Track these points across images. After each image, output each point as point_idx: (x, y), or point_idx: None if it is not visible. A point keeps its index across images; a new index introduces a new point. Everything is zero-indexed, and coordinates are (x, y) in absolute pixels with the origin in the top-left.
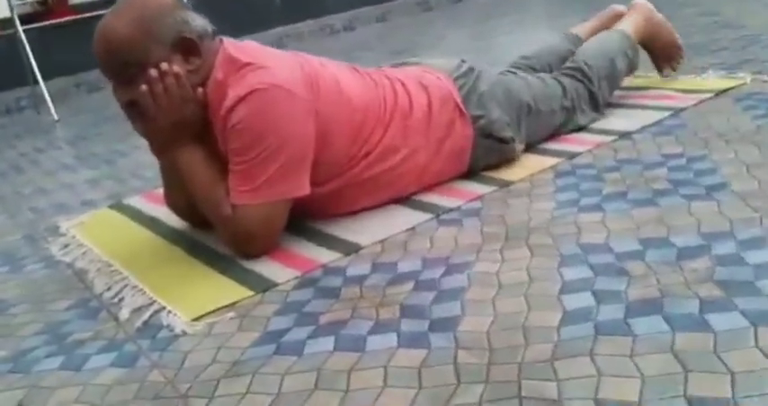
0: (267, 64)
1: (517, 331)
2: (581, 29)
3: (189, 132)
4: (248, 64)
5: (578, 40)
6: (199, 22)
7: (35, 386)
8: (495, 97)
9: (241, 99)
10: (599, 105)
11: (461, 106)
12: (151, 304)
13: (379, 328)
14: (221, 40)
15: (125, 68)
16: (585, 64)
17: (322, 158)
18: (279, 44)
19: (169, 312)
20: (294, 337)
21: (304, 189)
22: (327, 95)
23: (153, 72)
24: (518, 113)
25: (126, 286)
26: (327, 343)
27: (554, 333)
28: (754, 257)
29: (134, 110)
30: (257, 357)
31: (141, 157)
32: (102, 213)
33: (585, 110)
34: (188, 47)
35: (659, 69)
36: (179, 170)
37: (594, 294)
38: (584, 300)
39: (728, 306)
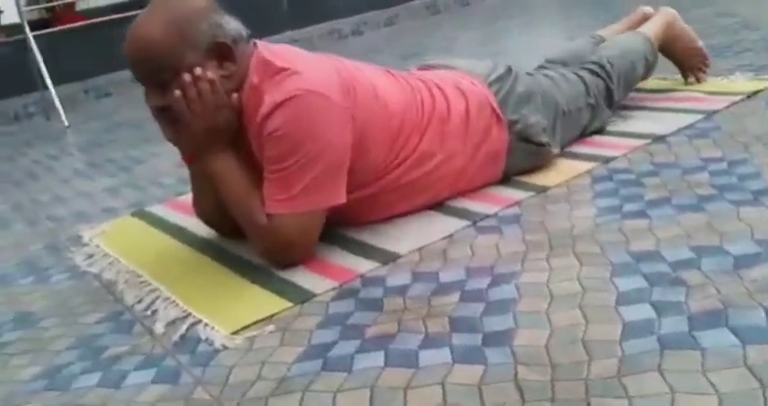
0: (303, 69)
1: (577, 345)
2: (608, 31)
3: (223, 138)
4: (283, 68)
5: (602, 41)
6: (233, 25)
7: (75, 405)
8: (532, 100)
9: (278, 105)
10: (613, 103)
11: (498, 111)
12: (186, 316)
13: (429, 342)
14: (255, 44)
15: (158, 73)
16: (607, 61)
17: (358, 165)
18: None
19: (206, 325)
20: (341, 351)
21: (340, 197)
22: (364, 101)
23: (187, 77)
24: (554, 116)
25: (158, 298)
26: (377, 358)
27: (617, 347)
28: None
29: (165, 115)
30: (305, 373)
31: (159, 164)
32: (124, 221)
33: (603, 108)
34: (223, 52)
35: (684, 77)
36: (212, 177)
37: (653, 305)
38: (643, 312)
39: None
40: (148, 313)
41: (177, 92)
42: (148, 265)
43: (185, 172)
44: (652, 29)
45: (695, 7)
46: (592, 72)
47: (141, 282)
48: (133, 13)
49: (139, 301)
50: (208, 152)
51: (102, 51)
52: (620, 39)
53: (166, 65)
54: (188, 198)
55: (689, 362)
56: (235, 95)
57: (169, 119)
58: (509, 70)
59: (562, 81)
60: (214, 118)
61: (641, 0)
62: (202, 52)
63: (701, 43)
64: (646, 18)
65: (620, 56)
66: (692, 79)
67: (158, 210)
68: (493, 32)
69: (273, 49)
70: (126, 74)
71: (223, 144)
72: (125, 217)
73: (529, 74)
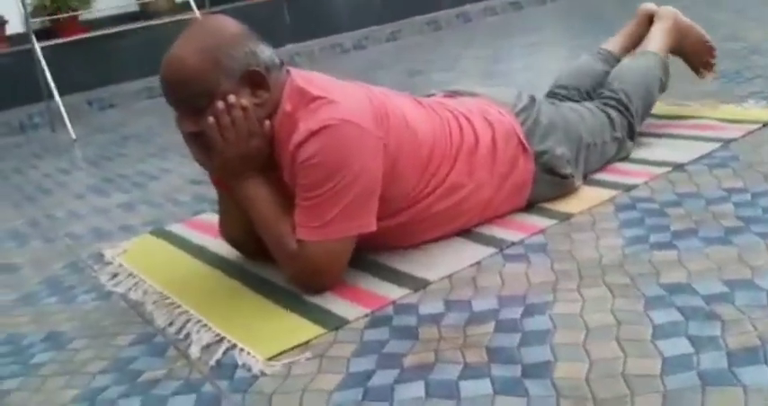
0: (338, 98)
1: (618, 379)
2: (613, 43)
3: (254, 165)
4: (319, 97)
5: (612, 58)
6: (267, 53)
7: None
8: (556, 131)
9: (313, 134)
10: (635, 135)
11: (524, 142)
12: (220, 340)
13: (469, 372)
14: (288, 71)
15: (192, 99)
16: (624, 94)
17: (389, 193)
18: (289, 62)
19: (242, 349)
20: (380, 381)
21: (371, 225)
22: (396, 129)
23: (220, 104)
24: (577, 149)
25: (189, 320)
26: (418, 389)
27: (659, 382)
28: None
29: (197, 140)
30: (346, 401)
31: (172, 180)
32: (144, 240)
33: (627, 141)
34: (256, 80)
35: (696, 72)
36: (243, 202)
37: (690, 339)
38: (681, 346)
39: None
40: (181, 336)
41: (211, 120)
42: (175, 286)
43: (200, 190)
44: (659, 42)
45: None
46: (615, 108)
47: (170, 304)
48: (136, 25)
49: (171, 323)
50: (240, 177)
51: (105, 62)
52: (634, 68)
53: (200, 91)
54: (206, 217)
55: (732, 399)
56: (267, 122)
57: (201, 145)
58: (533, 100)
59: (588, 114)
60: (247, 145)
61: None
62: (236, 79)
63: (707, 36)
64: (650, 17)
65: (637, 86)
66: (703, 74)
67: (178, 229)
68: (496, 51)
69: (308, 77)
70: (130, 85)
71: (255, 170)
72: (144, 236)
73: (551, 103)
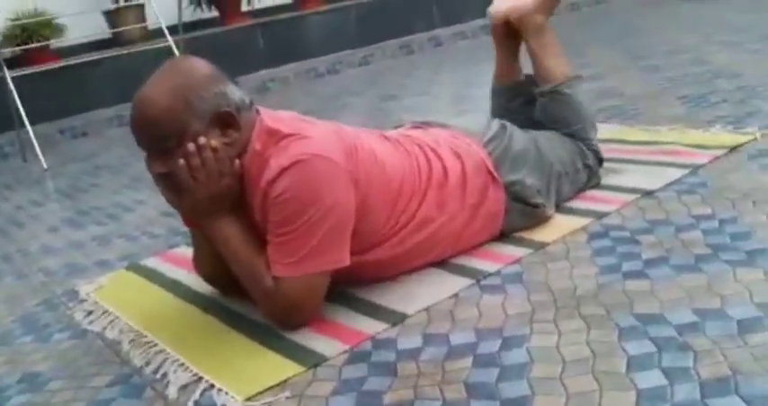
0: (307, 134)
1: None
2: (501, 73)
3: (225, 205)
4: (289, 135)
5: (521, 85)
6: (237, 94)
7: None
8: (527, 160)
9: (284, 169)
10: (602, 161)
11: (494, 172)
12: (198, 380)
13: None
14: (258, 111)
15: (162, 140)
16: (581, 127)
17: (361, 227)
18: (263, 88)
19: (219, 390)
20: None
21: (345, 260)
22: (365, 164)
23: (191, 146)
24: (548, 179)
25: (166, 360)
26: None
27: None
28: None
29: (167, 181)
30: None
31: (147, 212)
32: (120, 275)
33: (597, 167)
34: (226, 120)
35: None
36: (215, 242)
37: (664, 371)
38: (655, 379)
39: None
40: (158, 376)
41: (181, 161)
42: (151, 324)
43: (174, 222)
44: (552, 60)
45: (670, 54)
46: (572, 136)
47: (147, 342)
48: (107, 53)
49: (148, 363)
50: (211, 217)
51: (77, 91)
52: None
53: (170, 132)
54: (182, 250)
55: None
56: (237, 162)
57: (170, 185)
58: (503, 127)
59: (558, 142)
60: (217, 185)
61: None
62: (207, 121)
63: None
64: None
65: (583, 119)
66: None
67: (153, 263)
68: (468, 75)
69: (277, 116)
70: (101, 113)
71: (226, 209)
72: (120, 271)
73: (525, 131)
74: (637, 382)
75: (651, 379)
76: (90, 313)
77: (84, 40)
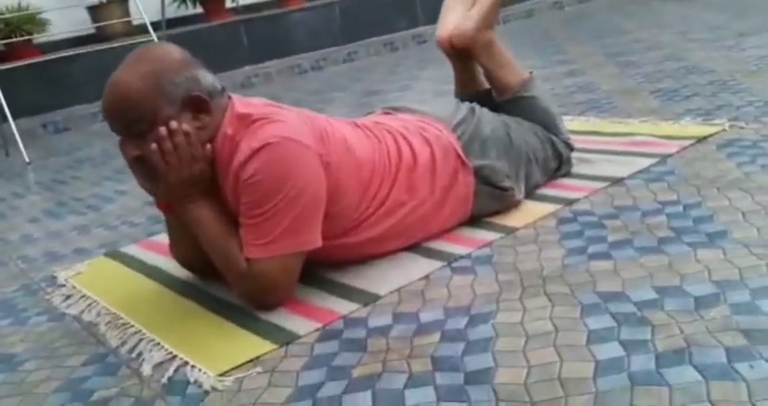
0: (279, 118)
1: (554, 383)
2: (465, 86)
3: (198, 188)
4: (260, 118)
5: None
6: (209, 79)
7: None
8: (496, 144)
9: (255, 152)
10: (572, 148)
11: (463, 156)
12: (172, 358)
13: (414, 381)
14: (230, 97)
15: (134, 125)
16: (550, 121)
17: (333, 211)
18: (247, 84)
19: (193, 366)
20: (329, 392)
21: (317, 241)
22: (336, 150)
23: (162, 130)
24: (517, 164)
25: (141, 340)
26: (365, 398)
27: (591, 384)
28: None
29: (140, 165)
30: None
31: (127, 202)
32: (98, 262)
33: (569, 156)
34: (198, 105)
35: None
36: (189, 225)
37: (622, 344)
38: (613, 350)
39: (754, 355)
40: (133, 355)
41: (153, 145)
42: (128, 307)
43: (155, 211)
44: (509, 63)
45: (648, 51)
46: (549, 130)
47: (123, 324)
48: (90, 48)
49: (123, 343)
50: (184, 201)
51: (59, 85)
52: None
53: (143, 117)
54: (161, 237)
55: (657, 398)
56: (208, 146)
57: (144, 170)
58: (472, 111)
59: (530, 129)
60: (189, 169)
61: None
62: (178, 105)
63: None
64: (451, 44)
65: (552, 114)
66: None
67: (132, 250)
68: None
69: (248, 102)
70: (84, 108)
71: (198, 193)
72: (99, 258)
73: (496, 114)
74: (596, 353)
75: (609, 351)
76: (68, 297)
77: (68, 35)
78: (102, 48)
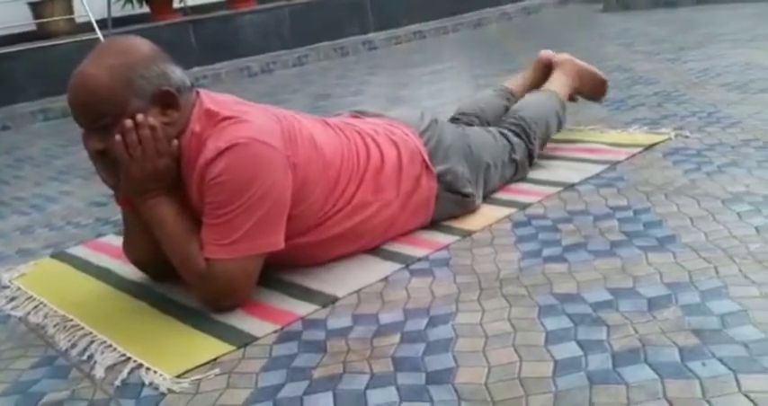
0: (247, 118)
1: (514, 382)
2: (514, 83)
3: (161, 184)
4: (228, 117)
5: (511, 95)
6: (178, 74)
7: None
8: (458, 152)
9: (221, 152)
10: (533, 159)
11: (427, 161)
12: (126, 360)
13: (376, 382)
14: (198, 93)
15: (100, 117)
16: (525, 121)
17: (296, 212)
18: (196, 85)
19: (148, 369)
20: (289, 393)
21: (279, 244)
22: (304, 149)
23: (128, 123)
24: (478, 171)
25: (93, 342)
26: (326, 399)
27: (550, 383)
28: (719, 307)
29: (103, 159)
30: None
31: (72, 203)
32: (44, 263)
33: (525, 165)
34: (167, 100)
35: (597, 101)
36: (149, 222)
37: (579, 344)
38: (571, 350)
39: (706, 354)
40: (84, 357)
41: (118, 137)
42: (78, 309)
43: (102, 212)
44: (560, 84)
45: (595, 62)
46: (514, 132)
47: (73, 326)
48: (30, 45)
49: (73, 345)
50: (146, 196)
51: None
52: (534, 101)
53: (109, 109)
54: (109, 239)
55: (615, 396)
56: (175, 142)
57: (107, 163)
58: (435, 121)
59: (488, 136)
60: (153, 163)
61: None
62: (147, 99)
63: (602, 75)
64: (547, 63)
65: (536, 117)
66: (603, 99)
67: (79, 251)
68: (401, 77)
69: (217, 99)
70: (24, 106)
71: (161, 189)
72: (44, 259)
73: (457, 126)
74: (554, 353)
75: (567, 351)
76: (13, 299)
77: (6, 32)
78: (44, 45)
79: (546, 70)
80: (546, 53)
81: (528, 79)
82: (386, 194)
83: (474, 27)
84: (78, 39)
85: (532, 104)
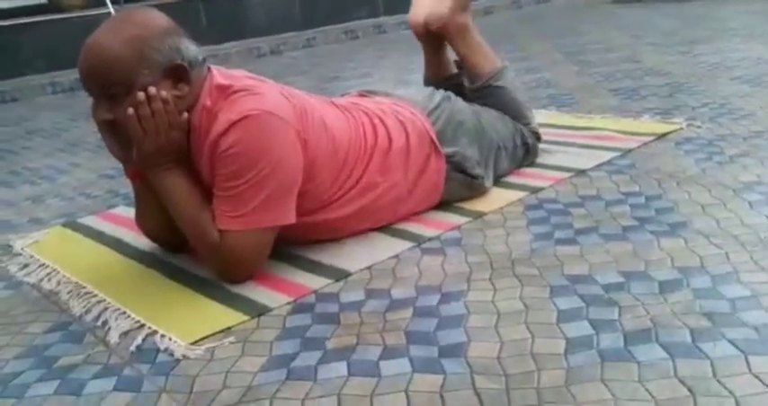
0: (259, 91)
1: (526, 358)
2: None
3: (172, 157)
4: (240, 90)
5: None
6: (192, 49)
7: None
8: (468, 132)
9: (233, 124)
10: (539, 137)
11: (436, 142)
12: (140, 327)
13: (389, 353)
14: (209, 68)
15: (111, 87)
16: (517, 110)
17: (306, 189)
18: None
19: (163, 335)
20: (304, 362)
21: (290, 217)
22: (314, 129)
23: (141, 95)
24: (488, 152)
25: (107, 308)
26: (340, 368)
27: (562, 360)
28: (730, 291)
29: (110, 129)
30: (270, 381)
31: (83, 175)
32: (56, 231)
33: (536, 147)
34: (179, 74)
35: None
36: (161, 194)
37: (591, 323)
38: (582, 329)
39: (716, 336)
40: (98, 323)
41: (130, 110)
42: (91, 276)
43: (113, 184)
44: (485, 51)
45: (605, 52)
46: (513, 117)
47: (86, 293)
48: (41, 18)
49: (87, 311)
50: (158, 169)
51: (8, 55)
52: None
53: (119, 80)
54: (120, 210)
55: (627, 373)
56: (186, 115)
57: (115, 134)
58: (447, 98)
59: (500, 119)
60: (165, 137)
61: (548, 45)
62: (159, 72)
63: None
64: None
65: (520, 102)
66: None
67: (92, 221)
68: (411, 61)
69: (228, 74)
70: (33, 79)
71: (172, 162)
72: (57, 228)
73: (469, 104)
74: (566, 331)
75: (579, 329)
76: (25, 265)
77: (18, 4)
78: (54, 18)
79: (432, 36)
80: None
81: (432, 58)
82: (393, 175)
83: (484, 14)
84: (90, 13)
85: (504, 99)
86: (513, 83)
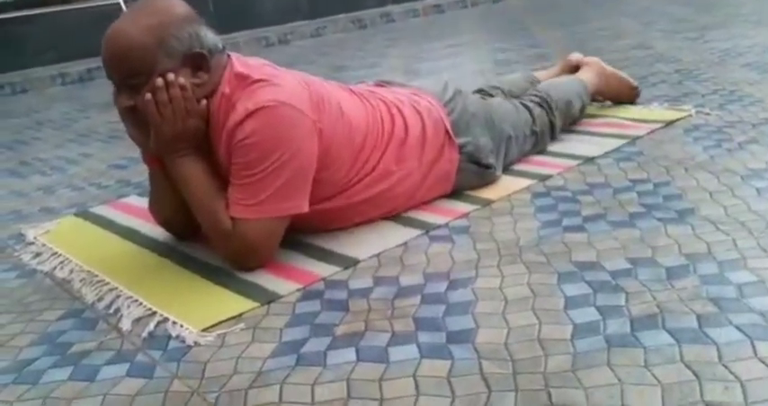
0: (277, 81)
1: (534, 343)
2: (542, 74)
3: (190, 144)
4: (259, 80)
5: (536, 80)
6: (211, 37)
7: (48, 397)
8: (480, 122)
9: (250, 114)
10: (555, 134)
11: (450, 132)
12: (152, 314)
13: (397, 340)
14: (229, 56)
15: (132, 75)
16: (548, 95)
17: (322, 177)
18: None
19: (174, 322)
20: (313, 348)
21: (304, 207)
22: (331, 116)
23: (159, 81)
24: (499, 141)
25: (119, 296)
26: (349, 354)
27: (569, 345)
28: (737, 277)
29: (132, 116)
30: (280, 367)
31: (94, 165)
32: (68, 221)
33: (547, 137)
34: (198, 61)
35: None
36: (177, 180)
37: (598, 309)
38: (589, 315)
39: (723, 321)
40: (111, 311)
41: (148, 96)
42: (103, 264)
43: (123, 174)
44: (587, 77)
45: (614, 39)
46: (537, 103)
47: (99, 281)
48: (50, 9)
49: (100, 299)
50: (175, 155)
51: (17, 46)
52: (558, 81)
53: (142, 68)
54: (132, 200)
55: (633, 358)
56: (204, 102)
57: (136, 121)
58: (459, 92)
59: (510, 107)
60: (183, 123)
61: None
62: (179, 60)
63: (632, 81)
64: (575, 65)
65: (559, 93)
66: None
67: (103, 211)
68: (420, 51)
69: (247, 63)
70: (42, 70)
71: (189, 148)
72: (68, 217)
73: (481, 97)
74: (573, 317)
75: (586, 315)
76: (38, 254)
77: None
78: (63, 9)
79: (573, 71)
80: (575, 55)
81: (553, 75)
82: (408, 164)
83: (494, 1)
84: (98, 3)
85: (556, 82)
86: (579, 90)
